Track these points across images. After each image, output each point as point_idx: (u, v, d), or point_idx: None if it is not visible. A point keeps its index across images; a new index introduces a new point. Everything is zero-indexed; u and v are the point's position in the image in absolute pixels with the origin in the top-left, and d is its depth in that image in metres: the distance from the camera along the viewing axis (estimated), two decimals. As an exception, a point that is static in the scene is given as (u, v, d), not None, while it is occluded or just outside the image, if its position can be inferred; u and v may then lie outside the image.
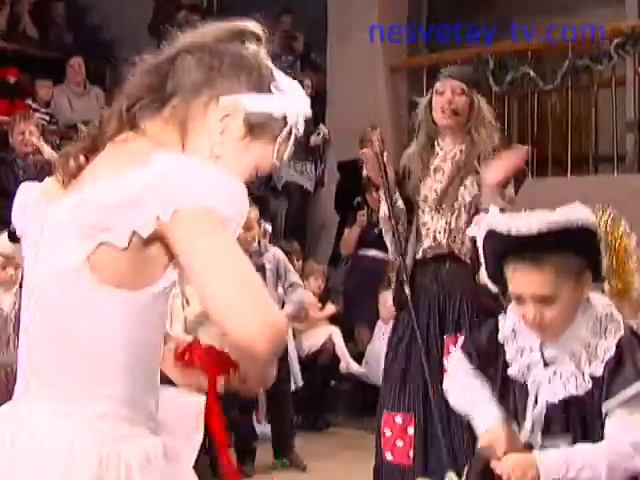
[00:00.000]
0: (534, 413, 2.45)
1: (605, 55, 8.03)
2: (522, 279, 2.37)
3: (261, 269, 5.78)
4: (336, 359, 7.01)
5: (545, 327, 2.38)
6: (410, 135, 9.18)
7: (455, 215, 4.07)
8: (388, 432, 4.04)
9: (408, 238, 4.16)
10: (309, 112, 1.80)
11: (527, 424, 2.46)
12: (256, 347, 1.54)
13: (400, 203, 4.14)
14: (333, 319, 7.29)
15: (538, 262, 2.32)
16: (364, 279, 7.58)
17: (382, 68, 9.27)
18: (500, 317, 2.60)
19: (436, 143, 4.18)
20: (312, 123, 8.71)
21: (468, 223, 4.00)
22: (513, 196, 3.92)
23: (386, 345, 4.34)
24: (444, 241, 4.06)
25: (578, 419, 2.39)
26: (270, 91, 1.74)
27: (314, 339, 6.99)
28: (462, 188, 4.07)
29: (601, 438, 2.33)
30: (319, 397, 7.05)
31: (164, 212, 1.55)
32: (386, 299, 7.18)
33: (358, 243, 7.77)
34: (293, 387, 6.39)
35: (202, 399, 1.82)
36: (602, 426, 2.34)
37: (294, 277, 6.08)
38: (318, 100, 9.53)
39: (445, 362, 3.81)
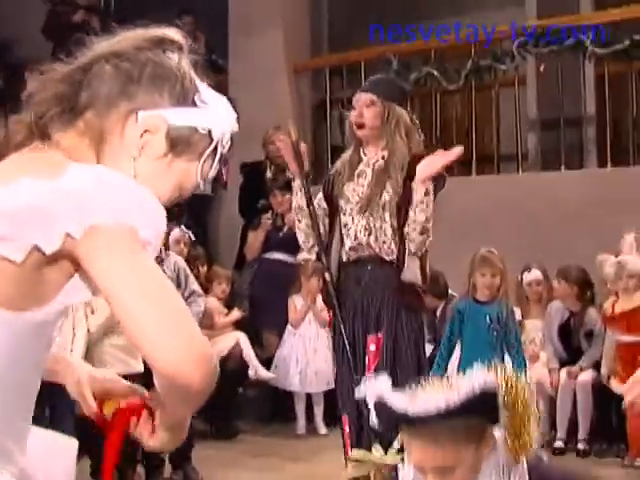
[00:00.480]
0: None
1: (507, 55, 8.09)
2: (420, 453, 2.18)
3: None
4: (244, 365, 6.87)
5: None
6: (314, 135, 9.27)
7: (376, 216, 4.29)
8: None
9: (331, 243, 4.38)
10: (236, 127, 1.69)
11: None
12: (188, 379, 1.40)
13: (324, 204, 4.44)
14: (240, 324, 7.15)
15: (436, 437, 2.12)
16: (270, 283, 7.46)
17: (285, 69, 9.19)
18: None
19: (361, 150, 4.47)
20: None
21: (385, 223, 4.26)
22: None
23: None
24: (364, 240, 4.29)
25: None
26: (194, 104, 1.61)
27: (221, 345, 6.83)
28: (383, 192, 4.29)
29: None
30: (227, 404, 6.89)
31: (76, 228, 1.39)
32: (295, 303, 7.09)
33: (263, 247, 7.65)
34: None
35: (75, 443, 1.66)
36: None
37: (194, 286, 5.96)
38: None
39: (366, 359, 4.21)
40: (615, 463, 6.02)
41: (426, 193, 4.17)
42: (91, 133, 1.55)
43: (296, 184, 4.37)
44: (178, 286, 5.73)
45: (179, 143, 1.59)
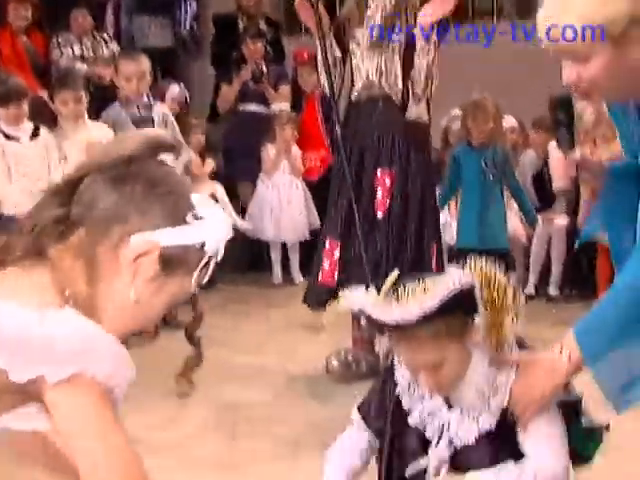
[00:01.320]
0: (439, 452, 2.32)
1: None
2: (408, 355, 2.26)
3: (150, 122, 5.68)
4: (220, 215, 6.88)
5: (442, 387, 2.27)
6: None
7: (386, 57, 4.46)
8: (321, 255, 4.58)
9: (342, 83, 4.63)
10: (230, 235, 1.66)
11: (430, 466, 2.33)
12: None
13: (337, 51, 4.59)
14: (214, 176, 7.14)
15: (419, 340, 2.18)
16: (244, 134, 7.41)
17: None
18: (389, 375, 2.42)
19: None
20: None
21: (395, 64, 4.46)
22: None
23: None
24: (376, 81, 4.49)
25: (485, 452, 2.29)
26: (186, 221, 1.55)
27: (197, 196, 6.83)
28: (393, 34, 4.44)
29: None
30: (204, 255, 6.94)
31: (52, 374, 1.41)
32: (269, 152, 7.08)
33: (237, 98, 7.57)
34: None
35: None
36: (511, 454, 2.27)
37: (180, 137, 5.94)
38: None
39: (378, 193, 4.45)
40: (584, 308, 6.15)
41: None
42: (85, 256, 1.50)
43: (317, 41, 4.50)
44: None
45: (173, 262, 1.54)
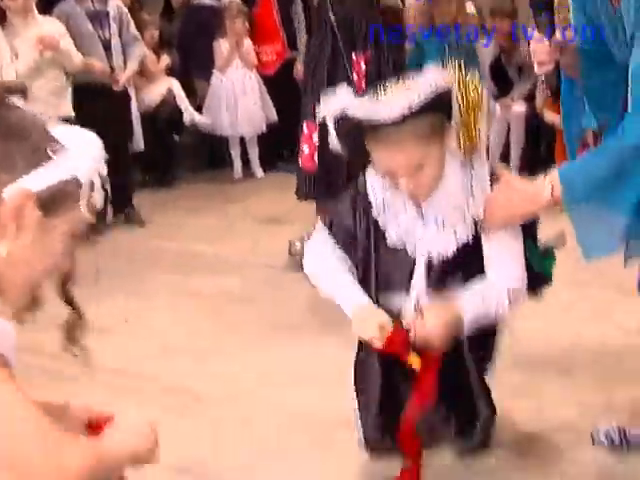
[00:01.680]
0: (418, 275, 2.40)
1: None
2: (388, 159, 2.26)
3: (105, 16, 5.57)
4: (178, 112, 6.81)
5: (421, 190, 2.31)
6: None
7: None
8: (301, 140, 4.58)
9: None
10: (104, 156, 1.54)
11: (413, 288, 2.41)
12: None
13: None
14: (170, 72, 7.04)
15: (400, 140, 2.20)
16: (198, 29, 7.26)
17: None
18: (360, 184, 2.45)
19: None
20: None
21: None
22: None
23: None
24: None
25: (462, 269, 2.37)
26: (50, 158, 1.44)
27: (154, 93, 6.75)
28: None
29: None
30: (164, 152, 6.90)
31: None
32: (221, 47, 6.97)
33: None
34: (132, 149, 6.22)
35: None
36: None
37: (134, 31, 5.87)
38: None
39: (354, 75, 4.48)
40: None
41: None
42: None
43: None
44: (120, 30, 5.65)
45: (52, 203, 1.45)
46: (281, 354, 3.61)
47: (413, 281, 2.40)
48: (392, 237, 2.40)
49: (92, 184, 1.51)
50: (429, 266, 2.38)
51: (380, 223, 2.41)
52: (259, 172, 7.16)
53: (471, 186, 2.33)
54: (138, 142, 6.38)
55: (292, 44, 7.14)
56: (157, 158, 6.84)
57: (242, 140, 7.17)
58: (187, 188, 6.81)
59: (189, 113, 6.82)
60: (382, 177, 2.35)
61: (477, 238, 2.36)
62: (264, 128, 7.05)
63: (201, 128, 7.04)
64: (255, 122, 7.03)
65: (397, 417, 2.38)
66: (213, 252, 5.10)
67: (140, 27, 6.42)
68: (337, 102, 2.25)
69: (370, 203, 2.41)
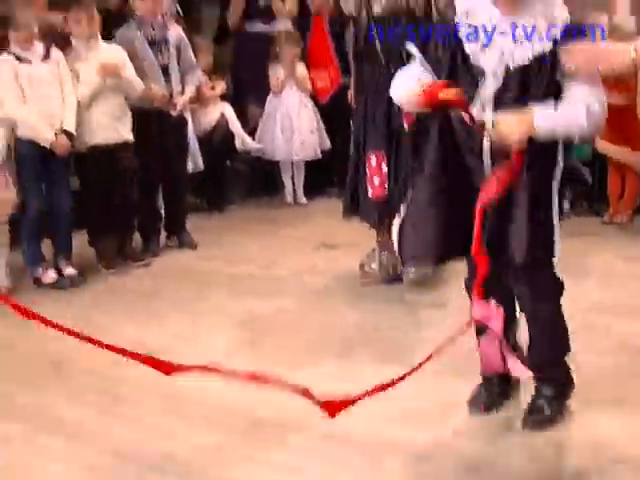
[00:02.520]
0: (493, 82, 2.68)
1: None
2: None
3: (165, 43, 5.67)
4: (231, 137, 6.89)
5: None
6: None
7: None
8: (368, 171, 4.64)
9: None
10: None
11: (483, 96, 2.71)
12: None
13: None
14: (223, 97, 7.12)
15: None
16: (252, 56, 7.34)
17: None
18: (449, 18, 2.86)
19: None
20: None
21: None
22: None
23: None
24: None
25: (536, 82, 2.65)
26: None
27: (208, 118, 6.84)
28: None
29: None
30: (217, 177, 6.98)
31: None
32: (276, 72, 7.04)
33: (244, 16, 7.49)
34: (192, 168, 6.30)
35: None
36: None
37: (192, 58, 5.96)
38: None
39: None
40: (595, 222, 6.21)
41: None
42: None
43: None
44: (178, 57, 5.76)
45: None
46: (331, 376, 3.60)
47: (489, 91, 2.69)
48: (471, 45, 2.71)
49: None
50: (506, 77, 2.67)
51: (462, 32, 2.73)
52: (303, 198, 7.20)
53: (553, 14, 2.64)
54: (197, 163, 6.46)
55: (345, 70, 7.19)
56: (210, 182, 6.92)
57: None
58: (239, 213, 6.88)
59: (241, 138, 6.90)
60: None
61: (553, 58, 2.62)
62: (318, 155, 7.10)
63: (253, 153, 7.12)
64: (308, 148, 7.07)
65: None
66: (266, 274, 5.15)
67: (195, 52, 6.52)
68: None
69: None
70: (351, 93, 6.83)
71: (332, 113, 7.13)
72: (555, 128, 2.60)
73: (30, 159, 5.01)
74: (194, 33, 7.17)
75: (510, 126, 2.59)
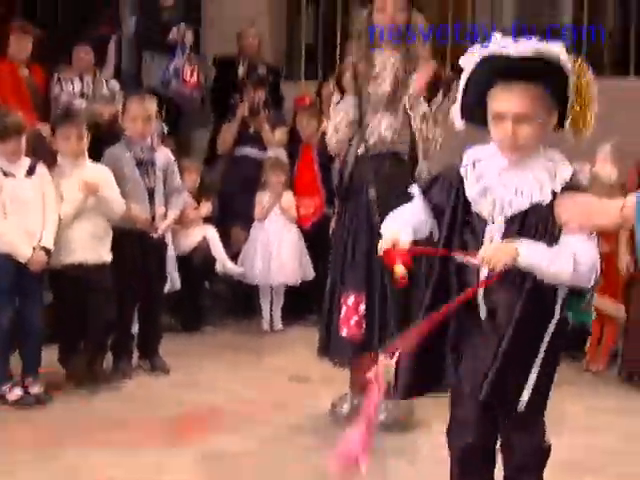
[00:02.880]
0: (491, 230, 2.79)
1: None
2: (508, 97, 2.74)
3: (152, 164, 5.68)
4: (211, 259, 6.89)
5: (517, 145, 2.76)
6: (288, 31, 9.11)
7: (398, 115, 4.54)
8: (343, 310, 4.59)
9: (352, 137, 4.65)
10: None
11: (487, 236, 2.80)
12: None
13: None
14: (208, 219, 7.15)
15: (523, 85, 2.72)
16: (240, 179, 7.44)
17: (260, -40, 8.98)
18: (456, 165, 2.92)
19: (375, 52, 4.62)
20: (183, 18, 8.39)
21: (406, 122, 4.54)
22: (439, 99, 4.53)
23: (334, 231, 4.92)
24: (389, 138, 4.56)
25: (533, 231, 2.75)
26: None
27: (189, 239, 6.85)
28: (405, 92, 4.53)
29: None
30: (193, 299, 6.94)
31: None
32: (262, 199, 7.09)
33: (235, 141, 7.58)
34: (168, 288, 6.25)
35: None
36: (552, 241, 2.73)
37: (179, 181, 5.98)
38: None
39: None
40: (571, 367, 6.13)
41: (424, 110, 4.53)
42: None
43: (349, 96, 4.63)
44: (165, 179, 5.76)
45: None
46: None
47: (488, 237, 2.79)
48: (472, 191, 2.82)
49: None
50: (505, 228, 2.77)
51: (466, 181, 2.85)
52: (279, 325, 7.14)
53: (555, 170, 2.77)
54: (174, 282, 6.43)
55: (330, 201, 7.25)
56: (186, 303, 6.88)
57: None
58: (213, 337, 6.81)
59: (222, 262, 6.89)
60: (491, 123, 2.79)
61: (549, 211, 2.72)
62: (297, 282, 7.08)
63: (234, 276, 7.09)
64: (287, 274, 7.05)
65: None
66: (234, 408, 5.01)
67: (182, 172, 6.57)
68: (484, 49, 2.74)
69: (461, 177, 2.86)
70: (333, 224, 6.98)
71: (314, 241, 7.14)
72: (539, 263, 2.68)
73: (4, 272, 4.96)
74: (183, 153, 7.26)
75: (494, 252, 2.68)
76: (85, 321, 5.29)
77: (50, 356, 5.37)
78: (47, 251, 5.01)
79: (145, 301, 5.75)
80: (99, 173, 5.36)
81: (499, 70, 2.76)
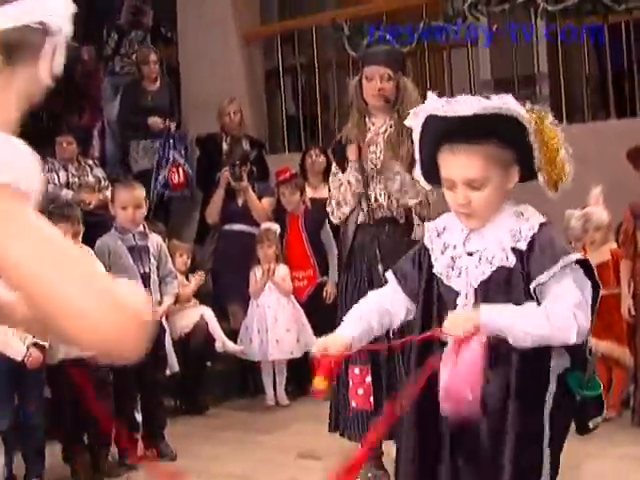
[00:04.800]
0: (462, 300, 2.62)
1: (459, 15, 8.04)
2: (454, 162, 2.55)
3: (145, 251, 5.64)
4: (210, 339, 6.82)
5: (472, 212, 2.57)
6: (268, 104, 9.18)
7: (391, 181, 4.56)
8: (350, 383, 4.56)
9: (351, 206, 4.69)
10: (73, 8, 1.45)
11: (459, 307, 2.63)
12: (124, 345, 1.31)
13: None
14: (204, 299, 7.09)
15: (469, 147, 2.51)
16: (232, 255, 7.39)
17: (235, 38, 9.07)
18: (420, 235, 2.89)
19: (367, 119, 4.70)
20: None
21: (400, 187, 4.54)
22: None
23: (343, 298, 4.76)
24: (384, 203, 4.60)
25: (501, 295, 2.55)
26: None
27: (186, 320, 6.77)
28: (398, 158, 4.56)
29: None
30: (195, 379, 6.86)
31: None
32: (256, 275, 7.03)
33: (222, 218, 7.56)
34: (168, 372, 6.16)
35: None
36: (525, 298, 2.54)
37: (171, 266, 5.94)
38: (172, 74, 9.27)
39: None
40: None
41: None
42: None
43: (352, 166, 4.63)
44: (157, 265, 5.71)
45: (13, 48, 1.39)
46: None
47: (459, 308, 2.61)
48: (438, 266, 2.65)
49: (58, 39, 1.42)
50: (475, 296, 2.58)
51: (432, 255, 2.69)
52: (284, 400, 7.04)
53: (519, 229, 2.55)
54: (172, 366, 6.35)
55: (324, 269, 7.23)
56: (188, 385, 6.79)
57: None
58: (217, 417, 6.71)
59: (221, 341, 6.82)
60: (445, 190, 2.63)
61: (517, 270, 2.53)
62: (298, 354, 6.97)
63: (235, 354, 7.01)
64: (285, 348, 6.95)
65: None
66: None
67: (172, 254, 6.52)
68: (425, 107, 2.59)
69: (427, 249, 2.70)
70: (327, 290, 6.98)
71: (312, 309, 7.08)
72: (505, 323, 2.47)
73: (2, 373, 4.89)
74: (173, 235, 7.24)
75: (453, 320, 2.53)
76: (86, 416, 5.20)
77: (55, 451, 5.28)
78: (41, 347, 4.94)
79: (146, 389, 5.67)
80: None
81: (441, 132, 2.58)
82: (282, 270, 7.09)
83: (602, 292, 6.02)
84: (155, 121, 8.28)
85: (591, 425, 2.67)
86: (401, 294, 2.77)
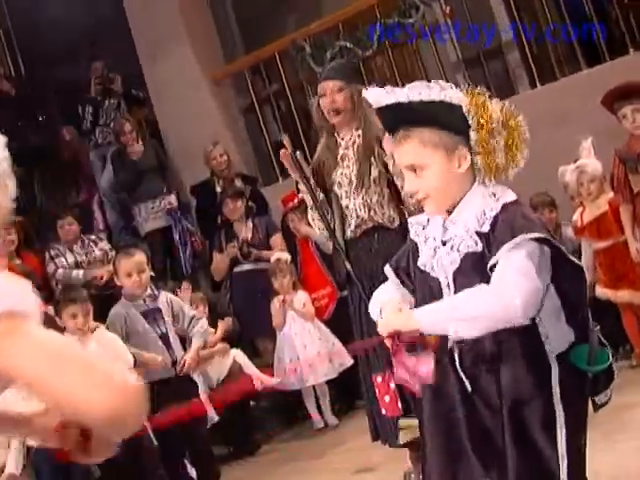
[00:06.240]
0: (445, 289, 2.61)
1: (412, 7, 8.10)
2: (397, 149, 2.63)
3: (158, 312, 5.70)
4: (247, 380, 6.88)
5: (424, 198, 2.60)
6: (252, 138, 9.27)
7: (371, 192, 4.54)
8: (377, 392, 4.54)
9: (334, 224, 4.67)
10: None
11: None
12: (122, 418, 1.48)
13: (320, 194, 4.66)
14: (234, 342, 7.17)
15: (406, 133, 2.56)
16: (248, 293, 7.48)
17: (205, 82, 9.18)
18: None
19: (336, 135, 4.70)
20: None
21: (380, 195, 4.53)
22: None
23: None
24: (366, 216, 4.55)
25: (476, 279, 2.50)
26: None
27: (219, 367, 6.86)
28: (371, 167, 4.55)
29: None
30: (242, 421, 6.93)
31: None
32: (275, 305, 7.10)
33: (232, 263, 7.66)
34: (209, 424, 6.22)
35: None
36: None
37: (192, 312, 6.01)
38: (155, 131, 9.40)
39: None
40: (621, 366, 6.02)
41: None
42: None
43: (302, 188, 4.66)
44: (174, 319, 5.77)
45: None
46: None
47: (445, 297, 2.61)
48: (422, 259, 2.67)
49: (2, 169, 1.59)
50: (454, 283, 2.58)
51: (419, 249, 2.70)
52: (332, 420, 7.10)
53: (484, 210, 2.53)
54: (212, 418, 6.35)
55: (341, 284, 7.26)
56: (235, 428, 6.86)
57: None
58: (272, 451, 6.77)
59: (257, 378, 6.88)
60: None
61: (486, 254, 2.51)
62: (333, 375, 7.01)
63: (275, 386, 7.07)
64: (319, 371, 6.99)
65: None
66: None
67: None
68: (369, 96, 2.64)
69: (416, 243, 2.71)
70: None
71: (339, 325, 7.11)
72: (438, 318, 2.47)
73: (48, 469, 4.98)
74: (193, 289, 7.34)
75: (385, 319, 2.59)
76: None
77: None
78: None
79: (193, 443, 5.73)
80: (105, 346, 5.35)
81: (385, 122, 2.69)
82: (301, 296, 7.15)
83: (607, 243, 6.13)
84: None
85: (597, 401, 2.58)
86: (402, 289, 2.79)
